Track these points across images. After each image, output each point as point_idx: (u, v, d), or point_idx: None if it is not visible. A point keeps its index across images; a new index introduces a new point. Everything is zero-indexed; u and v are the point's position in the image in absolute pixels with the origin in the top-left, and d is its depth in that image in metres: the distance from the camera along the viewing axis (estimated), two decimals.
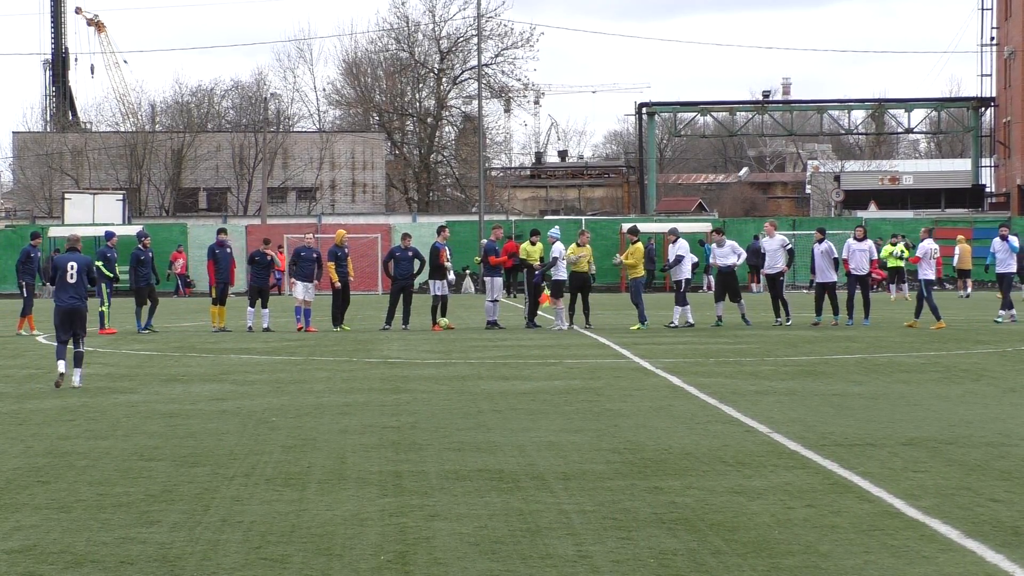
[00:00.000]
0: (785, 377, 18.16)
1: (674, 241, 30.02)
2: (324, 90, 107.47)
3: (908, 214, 71.83)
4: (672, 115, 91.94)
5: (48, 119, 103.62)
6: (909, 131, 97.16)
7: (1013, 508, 9.06)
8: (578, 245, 29.88)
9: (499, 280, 30.88)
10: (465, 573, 7.47)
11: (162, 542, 8.24)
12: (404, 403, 15.51)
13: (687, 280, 29.63)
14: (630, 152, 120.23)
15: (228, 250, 30.87)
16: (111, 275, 29.70)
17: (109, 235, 31.47)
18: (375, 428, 13.31)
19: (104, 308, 29.34)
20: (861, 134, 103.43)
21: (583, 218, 70.24)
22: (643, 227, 41.86)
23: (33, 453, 11.96)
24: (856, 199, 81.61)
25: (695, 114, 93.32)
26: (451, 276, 30.86)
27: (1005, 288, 30.71)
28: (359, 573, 7.51)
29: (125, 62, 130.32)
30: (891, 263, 49.07)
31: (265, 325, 29.79)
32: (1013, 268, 31.06)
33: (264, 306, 29.86)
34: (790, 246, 30.76)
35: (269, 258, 30.50)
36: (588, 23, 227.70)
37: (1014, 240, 31.15)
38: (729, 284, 29.92)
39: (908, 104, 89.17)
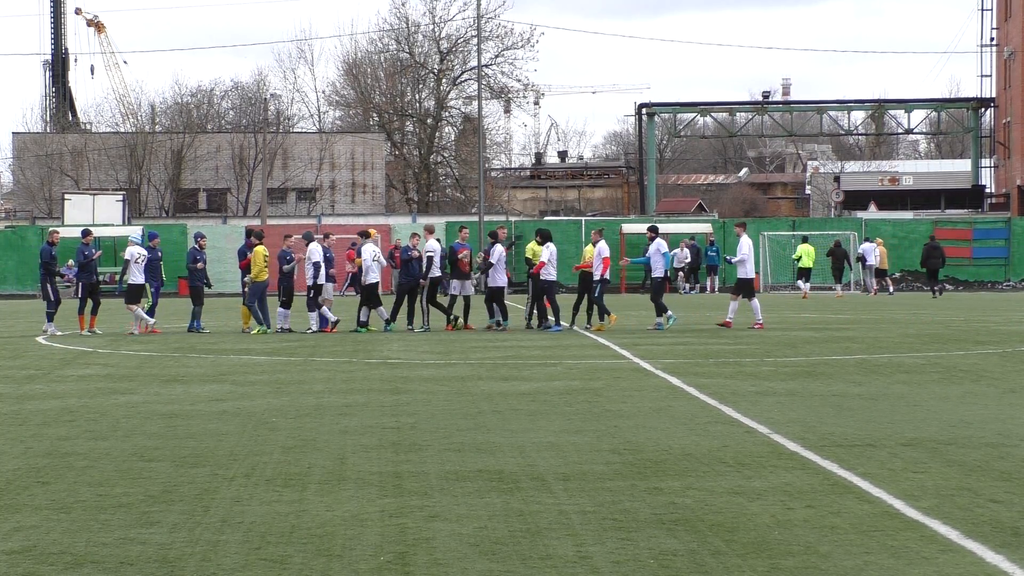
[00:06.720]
0: (785, 378, 18.16)
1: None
2: (324, 92, 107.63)
3: (908, 215, 71.83)
4: (672, 116, 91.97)
5: (48, 120, 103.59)
6: (909, 132, 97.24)
7: (1013, 509, 9.06)
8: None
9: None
10: (465, 574, 7.47)
11: (162, 543, 8.24)
12: (404, 404, 15.51)
13: (502, 287, 29.77)
14: (630, 153, 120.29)
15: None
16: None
17: (152, 235, 31.94)
18: (375, 429, 13.31)
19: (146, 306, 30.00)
20: (861, 135, 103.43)
21: (583, 219, 70.23)
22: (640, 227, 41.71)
23: (33, 454, 11.97)
24: (856, 200, 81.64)
25: (695, 115, 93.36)
26: (474, 279, 31.00)
27: (656, 292, 29.61)
28: (359, 574, 7.51)
29: (125, 62, 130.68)
30: (804, 264, 50.65)
31: (285, 326, 29.79)
32: (662, 272, 29.72)
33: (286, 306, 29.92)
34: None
35: (293, 257, 30.63)
36: (574, 21, 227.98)
37: (663, 244, 29.87)
38: (545, 288, 29.58)
39: (908, 105, 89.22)
